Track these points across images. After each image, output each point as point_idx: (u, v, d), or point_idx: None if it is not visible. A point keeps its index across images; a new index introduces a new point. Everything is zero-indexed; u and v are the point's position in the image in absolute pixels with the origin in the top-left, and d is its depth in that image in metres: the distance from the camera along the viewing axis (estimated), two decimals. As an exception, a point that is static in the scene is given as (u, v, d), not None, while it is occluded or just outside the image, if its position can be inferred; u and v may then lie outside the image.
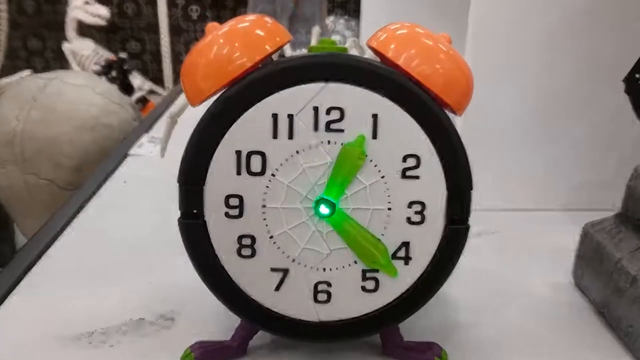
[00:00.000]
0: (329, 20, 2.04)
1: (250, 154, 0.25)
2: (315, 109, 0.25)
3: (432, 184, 0.26)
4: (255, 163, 0.25)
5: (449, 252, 0.27)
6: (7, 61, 2.13)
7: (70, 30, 2.11)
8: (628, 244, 0.32)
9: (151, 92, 2.21)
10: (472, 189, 0.26)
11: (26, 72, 1.39)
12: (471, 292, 0.36)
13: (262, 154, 0.25)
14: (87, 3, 2.13)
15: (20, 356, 0.29)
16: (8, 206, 0.94)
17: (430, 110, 0.25)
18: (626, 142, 0.41)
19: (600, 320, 0.33)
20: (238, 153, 0.25)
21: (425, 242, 0.26)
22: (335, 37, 1.90)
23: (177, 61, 2.38)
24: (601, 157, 0.41)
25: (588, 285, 0.34)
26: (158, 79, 2.48)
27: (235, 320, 0.29)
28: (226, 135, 0.25)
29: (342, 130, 0.25)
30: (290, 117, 0.25)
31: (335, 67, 0.25)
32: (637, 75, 0.33)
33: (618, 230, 0.33)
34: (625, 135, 0.42)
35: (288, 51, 0.32)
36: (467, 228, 0.27)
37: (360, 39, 1.25)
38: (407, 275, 0.27)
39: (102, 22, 2.14)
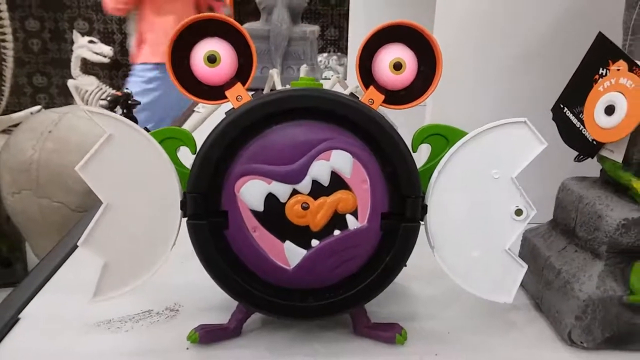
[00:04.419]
0: (322, 56, 2.14)
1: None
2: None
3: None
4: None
5: (403, 246, 0.33)
6: (12, 97, 2.22)
7: (75, 67, 2.20)
8: (557, 244, 0.38)
9: (152, 125, 2.28)
10: (423, 193, 0.33)
11: (36, 108, 1.47)
12: (428, 288, 0.42)
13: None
14: (91, 42, 2.23)
15: (52, 340, 0.35)
16: (22, 228, 1.01)
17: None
18: (558, 162, 0.46)
19: (536, 309, 0.39)
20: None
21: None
22: (328, 73, 1.99)
23: (176, 96, 2.46)
24: (542, 176, 0.45)
25: (526, 280, 0.40)
26: (158, 114, 2.56)
27: (229, 310, 0.35)
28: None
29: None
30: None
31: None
32: (561, 105, 0.40)
33: (550, 234, 0.39)
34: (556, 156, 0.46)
35: (279, 85, 0.39)
36: (419, 225, 0.33)
37: (348, 75, 1.33)
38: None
39: (106, 60, 2.23)
